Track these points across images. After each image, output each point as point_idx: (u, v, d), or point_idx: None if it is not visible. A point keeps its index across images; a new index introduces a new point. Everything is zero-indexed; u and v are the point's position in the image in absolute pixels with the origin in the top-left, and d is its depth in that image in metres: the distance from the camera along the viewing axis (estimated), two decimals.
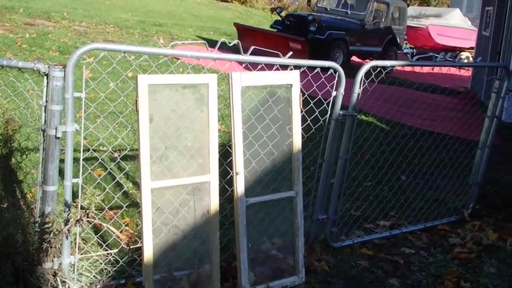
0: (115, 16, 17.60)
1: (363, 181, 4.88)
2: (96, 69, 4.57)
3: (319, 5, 16.90)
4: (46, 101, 2.81)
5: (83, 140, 3.00)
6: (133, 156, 4.68)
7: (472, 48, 18.09)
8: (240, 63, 3.34)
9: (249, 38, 12.98)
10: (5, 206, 3.17)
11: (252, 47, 3.26)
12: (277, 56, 3.38)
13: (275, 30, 15.20)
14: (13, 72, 3.21)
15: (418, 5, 31.30)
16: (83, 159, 2.96)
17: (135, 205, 4.09)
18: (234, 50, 3.29)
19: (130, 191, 4.43)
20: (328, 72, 3.64)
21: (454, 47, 20.91)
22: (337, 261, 3.73)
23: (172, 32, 16.35)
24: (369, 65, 3.76)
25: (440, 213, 4.73)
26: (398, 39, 16.73)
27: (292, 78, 3.36)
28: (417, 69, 4.70)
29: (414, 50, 19.70)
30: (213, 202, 3.13)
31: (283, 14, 15.97)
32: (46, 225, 2.86)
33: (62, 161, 2.88)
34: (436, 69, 5.27)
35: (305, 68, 3.52)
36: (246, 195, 3.22)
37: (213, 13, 24.18)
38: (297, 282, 3.39)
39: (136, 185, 4.47)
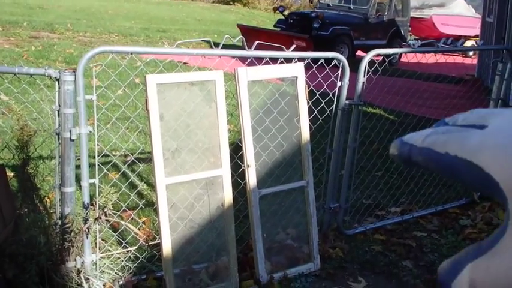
0: (118, 25, 17.77)
1: (372, 170, 4.94)
2: (104, 77, 4.66)
3: (321, 2, 16.93)
4: (59, 105, 2.91)
5: (96, 143, 3.10)
6: (145, 159, 4.78)
7: (477, 36, 18.01)
8: (244, 61, 3.42)
9: (253, 38, 12.92)
10: (25, 211, 3.28)
11: (256, 42, 3.34)
12: (281, 50, 3.46)
13: (279, 29, 15.28)
14: (25, 79, 3.32)
15: None
16: (98, 164, 3.06)
17: (151, 205, 4.18)
18: (238, 49, 3.37)
19: (145, 192, 4.53)
20: (332, 63, 3.71)
21: (460, 36, 20.80)
22: (351, 248, 3.81)
23: (176, 37, 16.46)
24: (372, 53, 3.83)
25: (451, 197, 4.79)
26: (402, 31, 16.72)
27: (297, 70, 3.44)
28: (422, 59, 4.75)
29: (419, 42, 19.59)
30: (227, 195, 3.21)
31: (286, 12, 16.02)
32: (66, 225, 2.96)
33: (77, 167, 2.99)
34: (441, 59, 5.32)
35: (309, 60, 3.59)
36: (258, 187, 3.30)
37: (215, 16, 24.30)
38: (313, 269, 3.47)
39: (151, 186, 4.56)
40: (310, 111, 3.57)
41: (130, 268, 3.25)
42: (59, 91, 2.89)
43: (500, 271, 0.35)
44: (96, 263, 3.12)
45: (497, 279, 0.35)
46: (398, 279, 3.51)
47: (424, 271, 3.62)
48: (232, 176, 3.26)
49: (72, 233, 2.94)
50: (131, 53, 3.02)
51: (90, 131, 2.95)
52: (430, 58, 4.89)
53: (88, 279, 2.99)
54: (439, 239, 4.05)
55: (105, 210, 2.91)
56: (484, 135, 0.37)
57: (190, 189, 3.16)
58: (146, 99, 2.94)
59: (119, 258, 3.32)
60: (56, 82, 2.89)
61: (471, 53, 18.22)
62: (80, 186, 3.02)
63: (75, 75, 2.86)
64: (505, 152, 0.35)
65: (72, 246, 2.96)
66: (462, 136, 0.39)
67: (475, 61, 14.54)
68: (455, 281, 0.38)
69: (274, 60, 3.47)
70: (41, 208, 3.67)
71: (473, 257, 0.37)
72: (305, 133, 3.49)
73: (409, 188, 4.66)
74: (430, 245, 3.96)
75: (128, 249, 3.39)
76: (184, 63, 7.67)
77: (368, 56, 3.78)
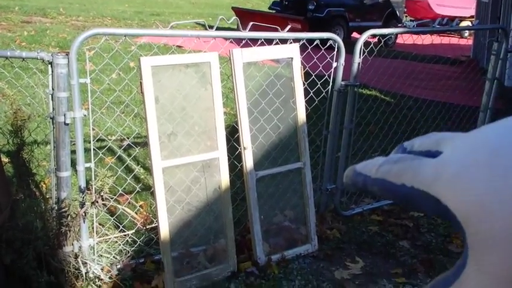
0: (112, 8, 17.62)
1: (368, 151, 4.93)
2: (98, 61, 4.60)
3: None
4: (52, 89, 2.88)
5: (91, 127, 3.08)
6: (141, 143, 4.76)
7: (472, 17, 17.95)
8: (239, 43, 3.39)
9: (248, 20, 12.88)
10: (21, 196, 3.26)
11: (251, 23, 3.31)
12: (276, 31, 3.43)
13: (273, 11, 15.18)
14: (17, 63, 3.27)
15: None
16: (93, 148, 3.04)
17: (148, 188, 4.17)
18: (233, 30, 3.34)
19: (142, 176, 4.52)
20: (327, 44, 3.68)
21: (455, 17, 20.72)
22: (348, 228, 3.82)
23: (170, 21, 16.22)
24: (367, 33, 3.80)
25: None
26: (398, 12, 16.65)
27: (292, 51, 3.41)
28: (417, 41, 4.73)
29: (415, 23, 19.52)
30: (223, 177, 3.20)
31: None
32: (63, 210, 2.95)
33: (72, 152, 2.96)
34: (436, 40, 5.29)
35: (304, 41, 3.56)
36: (255, 169, 3.29)
37: None
38: (311, 250, 3.48)
39: (147, 170, 4.55)
40: (306, 93, 3.55)
41: (128, 252, 3.24)
42: (52, 75, 2.86)
43: None
44: (93, 247, 3.11)
45: None
46: (396, 259, 3.52)
47: (421, 251, 3.63)
48: (229, 159, 3.25)
49: (69, 218, 2.93)
50: (125, 35, 2.98)
51: (85, 115, 2.92)
52: (425, 39, 4.86)
53: (86, 263, 2.99)
54: (435, 219, 4.06)
55: (102, 194, 2.89)
56: (438, 164, 0.36)
57: (187, 172, 3.14)
58: (141, 82, 2.91)
59: (116, 242, 3.32)
60: (49, 66, 2.85)
61: (466, 34, 18.16)
62: (75, 170, 3.00)
63: (68, 58, 2.82)
64: (459, 183, 0.33)
65: (69, 231, 2.95)
66: (415, 165, 0.37)
67: (470, 42, 14.51)
68: None
69: (269, 42, 3.44)
70: (37, 193, 3.66)
71: None
72: (301, 115, 3.47)
73: None
74: (426, 225, 3.97)
75: (126, 233, 3.39)
76: (178, 46, 7.63)
77: (363, 37, 3.75)
